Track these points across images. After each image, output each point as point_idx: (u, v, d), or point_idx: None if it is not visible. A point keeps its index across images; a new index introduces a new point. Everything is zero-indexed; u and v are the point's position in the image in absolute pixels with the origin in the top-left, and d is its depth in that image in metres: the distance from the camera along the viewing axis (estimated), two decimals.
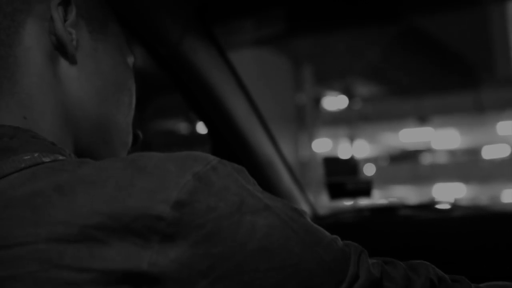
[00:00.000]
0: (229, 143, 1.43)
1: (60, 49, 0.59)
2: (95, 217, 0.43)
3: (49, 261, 0.42)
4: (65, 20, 0.59)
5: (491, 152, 17.52)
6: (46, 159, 0.50)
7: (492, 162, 16.58)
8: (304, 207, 1.59)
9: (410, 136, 17.45)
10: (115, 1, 1.02)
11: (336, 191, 1.54)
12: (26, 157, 0.50)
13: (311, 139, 13.01)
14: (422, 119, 15.23)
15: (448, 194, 14.81)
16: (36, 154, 0.50)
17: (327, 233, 0.51)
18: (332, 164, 1.56)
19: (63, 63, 0.59)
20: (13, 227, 0.44)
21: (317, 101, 14.00)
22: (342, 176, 1.54)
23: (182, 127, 13.01)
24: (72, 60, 0.60)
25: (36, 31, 0.58)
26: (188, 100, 1.38)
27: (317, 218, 1.61)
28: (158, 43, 1.18)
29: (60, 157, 0.52)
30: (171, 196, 0.44)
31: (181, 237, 0.43)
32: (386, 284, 0.51)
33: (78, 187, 0.45)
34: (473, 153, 18.29)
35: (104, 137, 0.64)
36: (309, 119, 12.83)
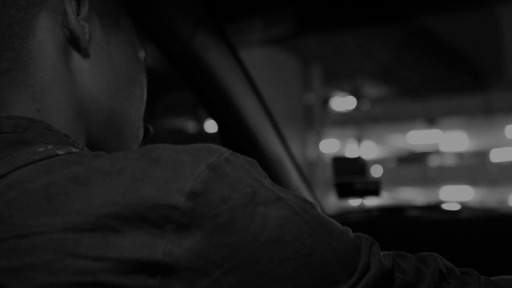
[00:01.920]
0: (238, 140, 1.44)
1: (73, 42, 0.60)
2: (110, 206, 0.43)
3: (65, 250, 0.43)
4: (78, 14, 0.60)
5: (499, 155, 17.44)
6: (60, 152, 0.51)
7: (500, 165, 16.49)
8: None
9: (418, 138, 17.37)
10: None
11: (345, 191, 1.54)
12: (40, 149, 0.50)
13: (318, 139, 12.99)
14: (431, 121, 15.17)
15: (455, 196, 14.74)
16: (50, 146, 0.51)
17: (339, 225, 0.51)
18: (340, 163, 1.56)
19: (76, 57, 0.60)
20: (29, 217, 0.45)
21: (325, 101, 13.97)
22: (351, 175, 1.54)
23: (190, 125, 13.01)
24: (85, 54, 0.61)
25: (50, 24, 0.58)
26: (198, 97, 1.39)
27: None
28: (170, 39, 1.18)
29: (74, 150, 0.52)
30: (186, 186, 0.44)
31: (196, 227, 0.43)
32: (397, 275, 0.51)
33: (93, 178, 0.45)
34: (481, 156, 18.20)
35: (116, 130, 0.64)
36: (317, 119, 12.81)
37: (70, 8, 0.59)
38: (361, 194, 1.55)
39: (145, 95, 0.70)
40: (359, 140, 16.00)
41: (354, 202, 1.67)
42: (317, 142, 12.91)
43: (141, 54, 0.71)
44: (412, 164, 18.73)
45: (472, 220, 1.40)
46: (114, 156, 0.48)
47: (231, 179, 0.46)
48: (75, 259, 0.42)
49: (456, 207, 1.51)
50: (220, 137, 1.52)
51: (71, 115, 0.59)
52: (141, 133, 0.70)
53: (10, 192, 0.47)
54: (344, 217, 1.60)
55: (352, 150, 16.74)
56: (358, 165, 1.57)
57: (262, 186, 0.47)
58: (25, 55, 0.57)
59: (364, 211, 1.61)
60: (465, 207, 1.50)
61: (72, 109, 0.59)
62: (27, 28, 0.57)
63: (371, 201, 1.62)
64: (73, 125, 0.59)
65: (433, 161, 19.17)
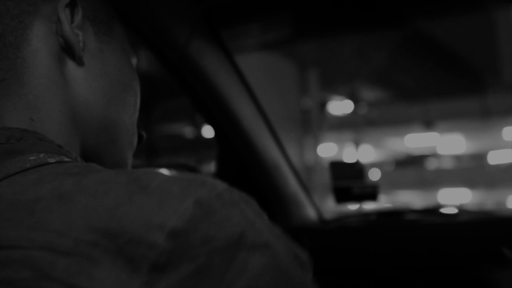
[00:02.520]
0: (235, 146, 1.44)
1: (67, 50, 0.59)
2: (90, 233, 0.42)
3: (41, 270, 0.42)
4: (71, 22, 0.60)
5: (497, 158, 17.46)
6: (51, 160, 0.50)
7: (498, 168, 16.51)
8: (310, 210, 1.59)
9: (415, 141, 17.40)
10: (123, 4, 1.02)
11: (343, 195, 1.54)
12: (31, 158, 0.50)
13: (316, 143, 13.00)
14: (428, 124, 15.20)
15: (453, 199, 14.76)
16: (41, 155, 0.51)
17: None
18: (338, 168, 1.56)
19: (70, 65, 0.60)
20: (9, 229, 0.44)
21: (322, 105, 13.99)
22: (348, 180, 1.54)
23: (187, 131, 13.01)
24: (79, 62, 0.60)
25: (44, 32, 0.58)
26: (195, 103, 1.39)
27: (323, 222, 1.61)
28: (166, 46, 1.18)
29: (66, 159, 0.52)
30: (168, 223, 0.42)
31: (172, 269, 0.41)
32: None
33: (78, 197, 0.44)
34: (479, 158, 18.23)
35: (110, 137, 0.64)
36: (315, 123, 12.82)
37: (64, 16, 0.59)
38: (359, 198, 1.54)
39: (138, 101, 0.70)
40: (357, 144, 16.02)
41: (352, 206, 1.67)
42: (315, 147, 12.92)
43: (134, 61, 0.71)
44: (410, 167, 18.75)
45: (470, 223, 1.40)
46: (103, 176, 0.47)
47: (219, 217, 0.44)
48: (50, 283, 0.41)
49: (454, 210, 1.51)
50: (217, 143, 1.52)
51: (66, 124, 0.58)
52: (135, 140, 0.69)
53: None
54: (343, 221, 1.59)
55: (349, 154, 16.76)
56: (356, 170, 1.57)
57: (253, 228, 0.45)
58: (20, 64, 0.56)
59: (362, 215, 1.61)
60: (463, 210, 1.50)
61: (66, 118, 0.59)
62: (21, 37, 0.57)
63: (369, 205, 1.62)
64: (67, 134, 0.58)
65: (431, 164, 19.20)
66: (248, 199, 0.48)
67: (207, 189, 0.45)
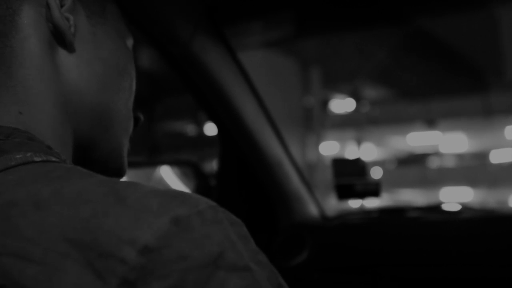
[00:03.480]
0: (238, 143, 1.44)
1: (58, 36, 0.56)
2: (62, 243, 0.41)
3: (11, 278, 0.41)
4: (62, 6, 0.56)
5: (499, 156, 17.43)
6: (38, 159, 0.49)
7: (500, 166, 16.49)
8: (312, 207, 1.59)
9: (417, 139, 17.39)
10: (126, 0, 1.02)
11: (345, 192, 1.54)
12: (18, 156, 0.48)
13: (318, 141, 13.00)
14: (430, 122, 15.18)
15: (455, 198, 14.74)
16: (28, 154, 0.49)
17: None
18: (340, 165, 1.56)
19: (62, 52, 0.57)
20: None
21: (324, 103, 13.99)
22: (351, 177, 1.54)
23: (190, 128, 13.02)
24: (71, 48, 0.57)
25: (33, 18, 0.55)
26: (198, 100, 1.39)
27: (325, 219, 1.61)
28: (169, 42, 1.19)
29: (53, 159, 0.50)
30: (141, 239, 0.40)
31: (143, 285, 0.39)
32: None
33: (54, 206, 0.43)
34: (481, 157, 18.20)
35: (105, 125, 0.61)
36: (317, 121, 12.82)
37: (53, 1, 0.55)
38: (361, 195, 1.55)
39: (134, 84, 0.66)
40: (359, 142, 16.01)
41: (354, 204, 1.67)
42: (317, 144, 12.93)
43: (129, 42, 0.67)
44: (412, 165, 18.73)
45: (472, 221, 1.40)
46: (83, 186, 0.45)
47: (197, 235, 0.41)
48: None
49: (456, 207, 1.51)
50: (219, 140, 1.52)
51: (57, 115, 0.55)
52: (131, 125, 0.67)
53: None
54: (345, 218, 1.60)
55: (351, 152, 16.76)
56: (358, 167, 1.57)
57: (233, 249, 0.42)
58: (8, 53, 0.53)
59: (364, 213, 1.61)
60: (465, 207, 1.50)
61: (58, 108, 0.55)
62: (10, 24, 0.54)
63: (371, 203, 1.62)
64: (59, 125, 0.56)
65: (433, 163, 19.17)
66: (235, 221, 0.45)
67: (188, 206, 0.43)
